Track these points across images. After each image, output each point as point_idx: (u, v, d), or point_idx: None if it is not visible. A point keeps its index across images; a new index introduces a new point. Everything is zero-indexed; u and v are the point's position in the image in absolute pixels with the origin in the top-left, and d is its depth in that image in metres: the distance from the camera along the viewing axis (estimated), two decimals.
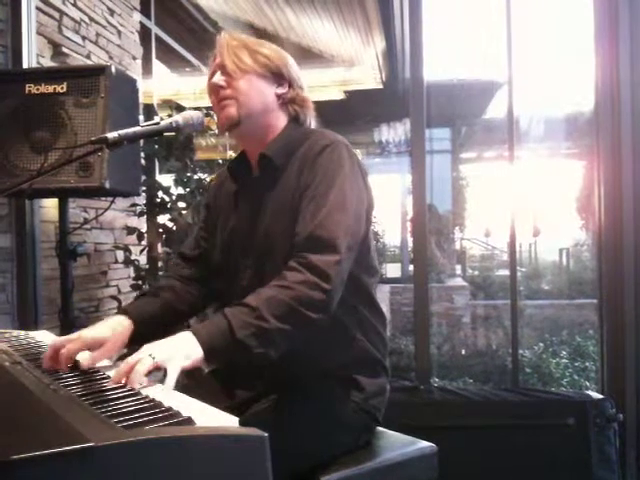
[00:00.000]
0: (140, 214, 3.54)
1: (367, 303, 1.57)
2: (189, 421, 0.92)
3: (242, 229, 1.57)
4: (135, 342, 1.43)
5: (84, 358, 1.30)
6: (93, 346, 1.35)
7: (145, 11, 4.32)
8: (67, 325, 2.46)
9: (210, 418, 0.96)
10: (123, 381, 1.14)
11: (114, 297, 3.40)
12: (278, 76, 1.55)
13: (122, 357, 1.40)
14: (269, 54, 1.55)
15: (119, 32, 3.65)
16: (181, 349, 1.20)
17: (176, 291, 1.65)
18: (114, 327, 1.43)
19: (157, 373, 1.18)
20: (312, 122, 1.64)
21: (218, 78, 1.52)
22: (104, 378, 1.20)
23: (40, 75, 2.43)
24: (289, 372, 1.46)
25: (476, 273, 12.45)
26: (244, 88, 1.51)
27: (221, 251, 1.62)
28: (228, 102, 1.51)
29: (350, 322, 1.52)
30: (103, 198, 2.94)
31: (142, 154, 3.23)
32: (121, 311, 1.55)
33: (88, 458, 0.75)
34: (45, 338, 1.60)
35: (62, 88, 2.36)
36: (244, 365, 1.35)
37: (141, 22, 4.09)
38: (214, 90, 1.53)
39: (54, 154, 2.31)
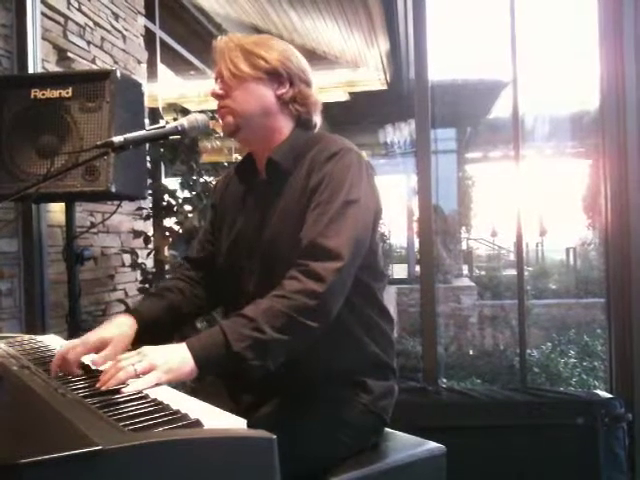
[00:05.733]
0: (146, 217, 3.55)
1: (375, 307, 1.56)
2: (197, 423, 0.93)
3: (248, 232, 1.56)
4: (141, 342, 1.42)
5: (93, 360, 1.30)
6: (99, 347, 1.35)
7: (150, 15, 4.34)
8: (74, 329, 2.46)
9: (218, 420, 0.96)
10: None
11: (121, 300, 3.41)
12: (276, 76, 1.52)
13: None
14: (265, 55, 1.51)
15: (124, 36, 3.67)
16: (170, 362, 1.19)
17: (182, 292, 1.64)
18: (119, 326, 1.44)
19: None
20: (319, 120, 1.63)
21: (216, 87, 1.53)
22: None
23: (45, 80, 2.44)
24: (297, 375, 1.46)
25: (483, 273, 12.46)
26: (240, 96, 1.50)
27: (226, 253, 1.62)
28: (224, 111, 1.52)
29: (358, 326, 1.51)
30: (109, 202, 2.95)
31: (148, 158, 3.24)
32: (127, 311, 1.55)
33: (96, 461, 0.76)
34: (53, 342, 1.61)
35: (67, 93, 2.36)
36: (245, 375, 1.32)
37: (146, 26, 4.10)
38: (214, 98, 1.54)
39: (60, 159, 2.31)
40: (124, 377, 1.14)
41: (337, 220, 1.37)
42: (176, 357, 1.20)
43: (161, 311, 1.57)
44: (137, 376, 1.15)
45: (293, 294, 1.29)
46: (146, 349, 1.22)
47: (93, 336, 1.38)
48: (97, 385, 1.15)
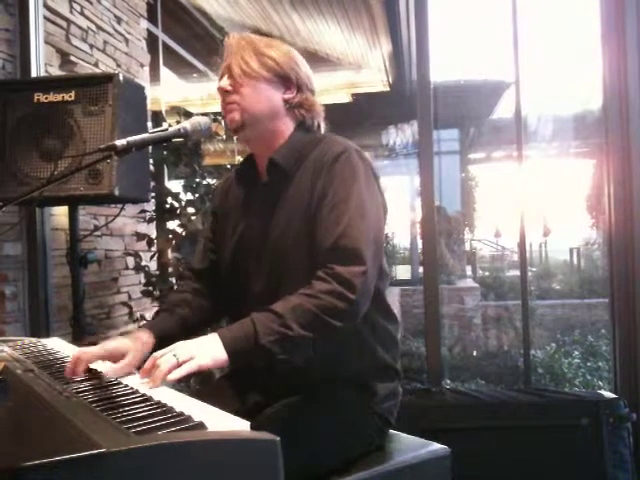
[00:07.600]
0: (150, 220, 3.55)
1: (380, 308, 1.56)
2: (201, 426, 0.92)
3: (253, 235, 1.56)
4: None
5: (106, 370, 1.31)
6: (114, 355, 1.37)
7: (152, 18, 4.34)
8: (78, 332, 2.47)
9: (222, 423, 0.96)
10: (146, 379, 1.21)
11: (125, 303, 3.42)
12: (286, 80, 1.53)
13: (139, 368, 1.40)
14: (277, 57, 1.52)
15: (126, 40, 3.67)
16: (206, 350, 1.24)
17: (190, 306, 1.65)
18: (136, 340, 1.44)
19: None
20: (321, 126, 1.63)
21: (224, 82, 1.52)
22: (116, 384, 1.20)
23: (49, 84, 2.45)
24: (301, 376, 1.46)
25: (486, 274, 12.44)
26: (249, 94, 1.50)
27: (231, 257, 1.61)
28: (232, 107, 1.51)
29: (364, 327, 1.51)
30: (113, 205, 2.96)
31: (151, 160, 3.25)
32: (141, 328, 1.56)
33: (100, 464, 0.76)
34: (56, 345, 1.61)
35: (71, 96, 2.37)
36: (261, 368, 1.37)
37: (148, 29, 4.11)
38: (221, 93, 1.54)
39: (64, 162, 2.32)
40: (168, 366, 1.18)
41: (356, 221, 1.39)
42: (212, 346, 1.26)
43: (173, 327, 1.58)
44: (178, 364, 1.20)
45: (322, 294, 1.32)
46: (179, 344, 1.26)
47: (111, 344, 1.40)
48: (143, 380, 1.22)
